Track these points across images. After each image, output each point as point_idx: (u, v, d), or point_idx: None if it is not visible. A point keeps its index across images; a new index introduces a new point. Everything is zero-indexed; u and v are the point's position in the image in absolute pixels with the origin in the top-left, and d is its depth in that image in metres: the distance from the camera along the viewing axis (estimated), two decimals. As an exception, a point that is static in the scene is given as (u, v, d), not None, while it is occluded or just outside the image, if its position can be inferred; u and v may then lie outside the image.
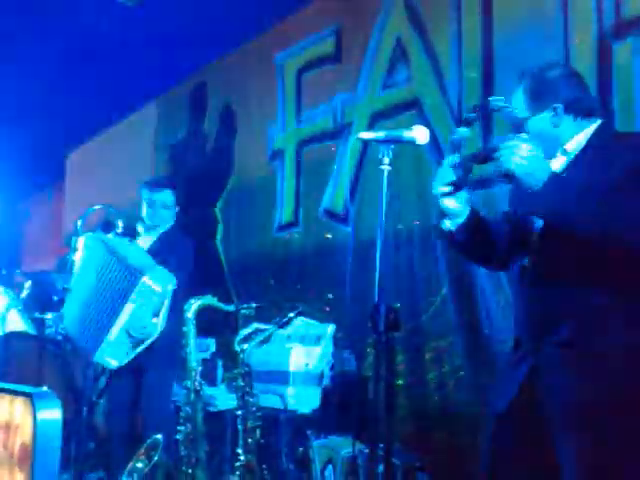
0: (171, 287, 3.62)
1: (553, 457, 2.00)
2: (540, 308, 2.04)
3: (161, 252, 3.88)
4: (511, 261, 2.24)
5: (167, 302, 3.62)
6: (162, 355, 3.66)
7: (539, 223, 2.07)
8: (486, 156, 2.05)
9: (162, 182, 4.24)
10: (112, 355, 3.63)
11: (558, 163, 2.11)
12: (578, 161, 2.07)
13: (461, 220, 2.13)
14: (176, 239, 4.05)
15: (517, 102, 2.15)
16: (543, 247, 2.06)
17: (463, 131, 2.05)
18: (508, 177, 1.97)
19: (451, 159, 2.06)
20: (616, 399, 1.92)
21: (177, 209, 4.13)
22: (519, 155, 1.92)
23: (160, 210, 4.04)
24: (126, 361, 3.63)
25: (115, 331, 3.60)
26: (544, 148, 2.03)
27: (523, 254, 2.14)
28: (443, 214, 2.14)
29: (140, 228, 4.08)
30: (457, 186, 2.06)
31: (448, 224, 2.15)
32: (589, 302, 1.97)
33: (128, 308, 3.59)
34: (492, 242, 2.22)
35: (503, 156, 1.94)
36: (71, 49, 5.18)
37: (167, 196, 4.07)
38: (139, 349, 3.62)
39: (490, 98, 2.15)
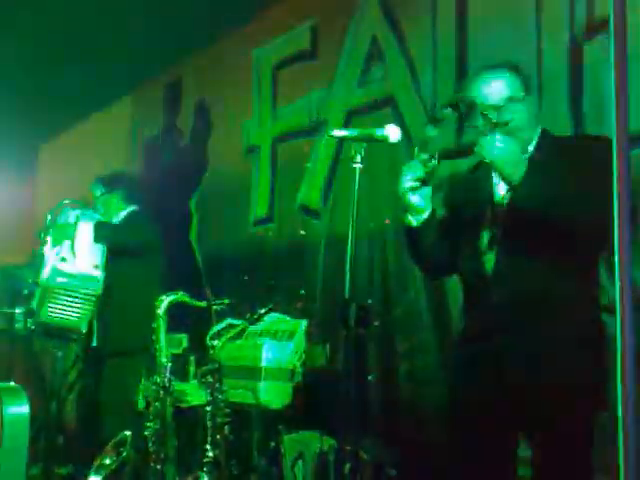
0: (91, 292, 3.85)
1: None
2: (508, 299, 2.05)
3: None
4: (449, 268, 2.29)
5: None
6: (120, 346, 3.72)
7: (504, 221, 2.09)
8: (460, 151, 2.07)
9: (114, 183, 4.30)
10: None
11: None
12: (536, 160, 2.07)
13: (424, 216, 2.16)
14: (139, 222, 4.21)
15: (504, 87, 2.11)
16: (511, 240, 2.06)
17: (431, 131, 2.07)
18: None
19: (421, 155, 2.08)
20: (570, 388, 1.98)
21: (134, 207, 4.24)
22: (498, 147, 1.93)
23: (112, 210, 4.20)
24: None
25: None
26: (522, 136, 2.07)
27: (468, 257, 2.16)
28: (407, 210, 2.17)
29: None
30: (424, 182, 2.08)
31: (411, 220, 2.17)
32: (555, 290, 2.02)
33: None
34: (442, 246, 2.23)
35: (483, 148, 1.96)
36: (43, 42, 5.12)
37: (118, 197, 4.23)
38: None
39: (462, 95, 2.16)
